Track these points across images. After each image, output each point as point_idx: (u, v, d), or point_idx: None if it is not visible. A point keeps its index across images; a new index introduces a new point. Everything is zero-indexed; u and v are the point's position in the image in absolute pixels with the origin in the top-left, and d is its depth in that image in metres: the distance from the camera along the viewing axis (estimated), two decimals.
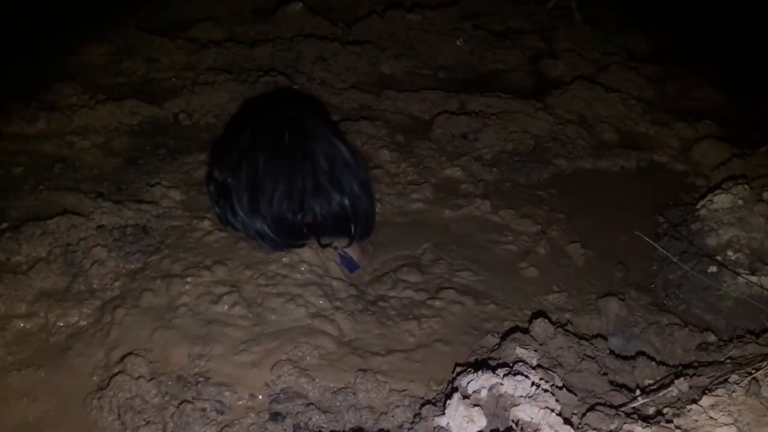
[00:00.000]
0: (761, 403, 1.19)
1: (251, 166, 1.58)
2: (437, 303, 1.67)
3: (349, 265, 1.75)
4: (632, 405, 1.32)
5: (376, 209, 1.82)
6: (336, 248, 1.71)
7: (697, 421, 1.18)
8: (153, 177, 2.08)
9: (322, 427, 1.30)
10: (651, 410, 1.31)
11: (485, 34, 3.59)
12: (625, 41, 3.80)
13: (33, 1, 3.40)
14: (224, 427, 1.30)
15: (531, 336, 1.48)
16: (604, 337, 1.63)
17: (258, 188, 1.56)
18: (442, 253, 1.89)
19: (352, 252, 1.76)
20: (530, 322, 1.56)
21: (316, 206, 1.58)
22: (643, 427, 1.18)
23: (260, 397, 1.37)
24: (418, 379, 1.44)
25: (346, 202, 1.59)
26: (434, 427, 1.23)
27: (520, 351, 1.37)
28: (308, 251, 1.66)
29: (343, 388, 1.39)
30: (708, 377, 1.36)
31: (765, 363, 1.29)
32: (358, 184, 1.64)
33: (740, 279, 1.81)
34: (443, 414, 1.22)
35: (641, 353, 1.56)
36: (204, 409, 1.32)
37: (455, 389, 1.26)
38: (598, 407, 1.29)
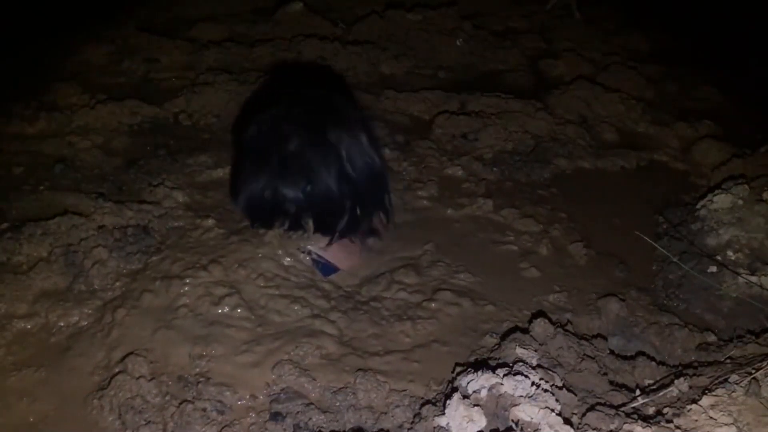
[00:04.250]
0: (761, 403, 1.19)
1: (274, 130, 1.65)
2: (432, 305, 1.67)
3: (324, 268, 1.71)
4: (632, 405, 1.32)
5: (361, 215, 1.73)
6: (302, 248, 1.69)
7: (697, 421, 1.18)
8: (155, 178, 2.08)
9: (322, 427, 1.30)
10: (651, 410, 1.31)
11: (485, 34, 3.59)
12: (625, 41, 3.80)
13: (33, 1, 3.41)
14: (224, 426, 1.30)
15: (531, 336, 1.48)
16: (604, 337, 1.63)
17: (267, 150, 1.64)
18: (442, 254, 1.88)
19: (329, 251, 1.72)
20: (530, 322, 1.56)
21: (312, 182, 1.61)
22: (643, 427, 1.18)
23: (261, 397, 1.37)
24: (418, 379, 1.44)
25: (336, 189, 1.61)
26: (434, 427, 1.23)
27: (520, 351, 1.37)
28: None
29: (343, 387, 1.39)
30: (708, 377, 1.36)
31: (765, 363, 1.29)
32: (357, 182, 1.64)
33: (740, 279, 1.81)
34: (443, 414, 1.23)
35: (641, 353, 1.56)
36: (204, 409, 1.32)
37: (455, 389, 1.27)
38: (598, 407, 1.29)
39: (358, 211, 1.69)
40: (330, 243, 1.69)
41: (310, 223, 1.66)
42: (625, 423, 1.22)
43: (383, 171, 1.76)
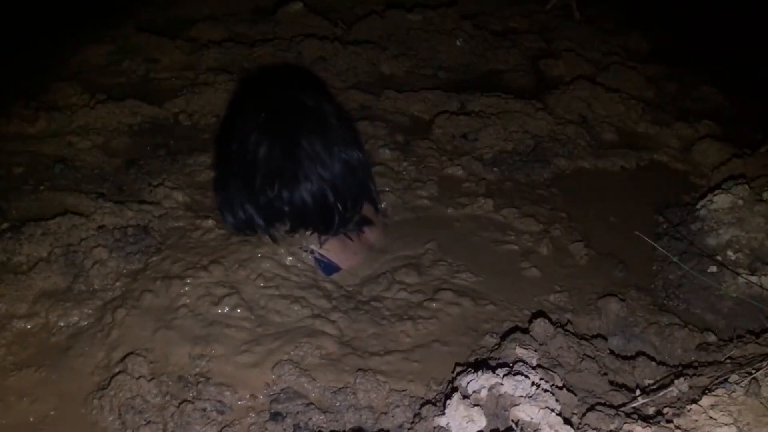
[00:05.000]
0: (761, 403, 1.19)
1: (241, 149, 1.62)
2: (435, 305, 1.67)
3: (326, 268, 1.71)
4: (632, 405, 1.32)
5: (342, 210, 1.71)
6: (305, 247, 1.69)
7: (697, 421, 1.18)
8: (155, 178, 2.08)
9: (322, 427, 1.30)
10: (651, 410, 1.31)
11: (485, 34, 3.59)
12: (625, 41, 3.80)
13: (33, 1, 3.41)
14: (224, 426, 1.30)
15: (531, 336, 1.48)
16: (604, 337, 1.63)
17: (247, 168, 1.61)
18: (444, 253, 1.88)
19: (331, 250, 1.72)
20: (530, 322, 1.56)
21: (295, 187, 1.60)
22: (643, 427, 1.18)
23: (261, 397, 1.37)
24: (418, 379, 1.44)
25: (321, 189, 1.60)
26: (434, 427, 1.23)
27: (520, 351, 1.37)
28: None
29: (343, 387, 1.40)
30: (708, 377, 1.36)
31: (765, 363, 1.29)
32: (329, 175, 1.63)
33: (740, 279, 1.81)
34: (443, 414, 1.23)
35: (641, 353, 1.56)
36: (204, 409, 1.32)
37: (455, 389, 1.27)
38: (598, 407, 1.29)
39: (341, 208, 1.66)
40: (323, 241, 1.69)
41: (282, 231, 1.67)
42: (625, 423, 1.22)
43: (361, 160, 1.73)
